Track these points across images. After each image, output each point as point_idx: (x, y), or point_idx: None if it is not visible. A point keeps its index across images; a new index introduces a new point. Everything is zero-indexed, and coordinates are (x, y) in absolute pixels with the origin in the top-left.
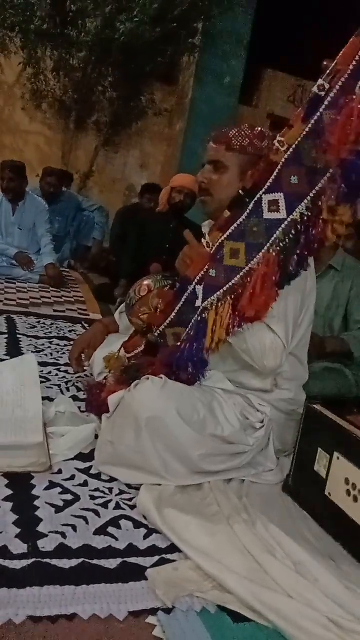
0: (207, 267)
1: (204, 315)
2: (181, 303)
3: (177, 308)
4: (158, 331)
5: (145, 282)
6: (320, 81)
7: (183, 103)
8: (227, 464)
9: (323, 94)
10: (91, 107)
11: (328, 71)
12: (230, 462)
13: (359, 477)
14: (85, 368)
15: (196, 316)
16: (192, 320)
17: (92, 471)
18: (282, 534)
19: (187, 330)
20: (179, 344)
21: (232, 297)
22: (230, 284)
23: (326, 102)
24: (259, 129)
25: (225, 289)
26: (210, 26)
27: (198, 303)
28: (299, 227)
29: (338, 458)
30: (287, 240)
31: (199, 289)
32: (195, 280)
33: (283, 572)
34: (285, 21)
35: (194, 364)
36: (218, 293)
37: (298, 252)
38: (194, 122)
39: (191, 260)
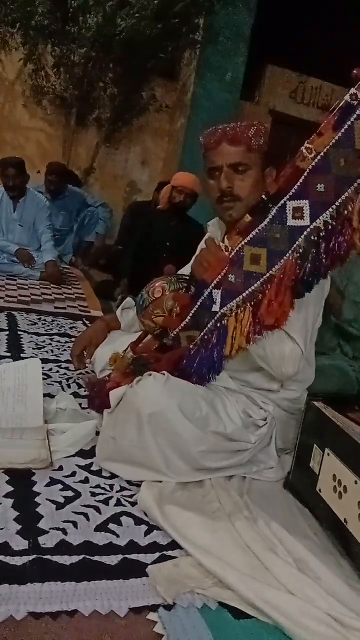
0: (225, 271)
1: (223, 322)
2: (197, 307)
3: (193, 312)
4: (173, 334)
5: (159, 284)
6: (353, 90)
7: (184, 99)
8: (228, 461)
9: (356, 103)
10: (92, 103)
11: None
12: (231, 460)
13: (344, 474)
14: (87, 365)
15: (214, 322)
16: (209, 325)
17: (93, 468)
18: (284, 531)
19: (202, 334)
20: (191, 346)
21: (252, 304)
22: (250, 290)
23: (358, 112)
24: (266, 125)
25: (245, 295)
26: (211, 22)
27: (215, 308)
28: (321, 234)
29: (328, 455)
30: (307, 247)
31: (216, 294)
32: (213, 285)
33: (284, 569)
34: (287, 17)
35: (210, 370)
36: (237, 299)
37: (318, 259)
38: (196, 118)
39: (209, 263)
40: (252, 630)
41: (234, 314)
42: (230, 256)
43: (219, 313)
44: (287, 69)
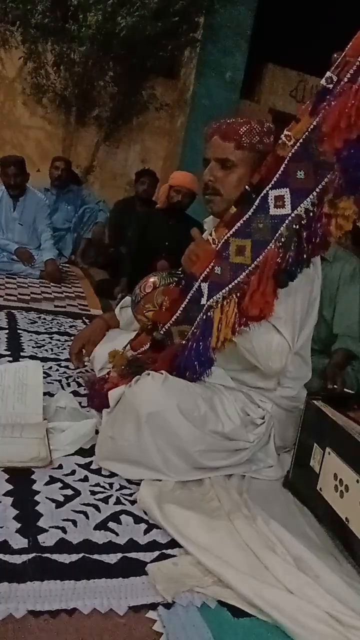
0: (212, 264)
1: (209, 314)
2: (187, 300)
3: (183, 305)
4: (164, 329)
5: (151, 279)
6: (328, 73)
7: (184, 98)
8: (227, 460)
9: (331, 86)
10: (92, 101)
11: (337, 63)
12: (230, 459)
13: (345, 473)
14: (85, 364)
15: (201, 314)
16: (198, 318)
17: (93, 466)
18: (283, 530)
19: (193, 328)
20: (183, 342)
21: (238, 295)
22: (236, 281)
23: (334, 95)
24: (268, 124)
25: (230, 286)
26: (211, 20)
27: (203, 301)
28: (302, 222)
29: (329, 453)
30: (289, 236)
31: (205, 286)
32: (201, 278)
33: (283, 567)
34: (287, 15)
35: (200, 363)
36: (223, 291)
37: (299, 247)
38: (195, 116)
39: (197, 257)
40: (251, 629)
41: (219, 305)
42: (217, 249)
43: (206, 305)
44: (287, 67)
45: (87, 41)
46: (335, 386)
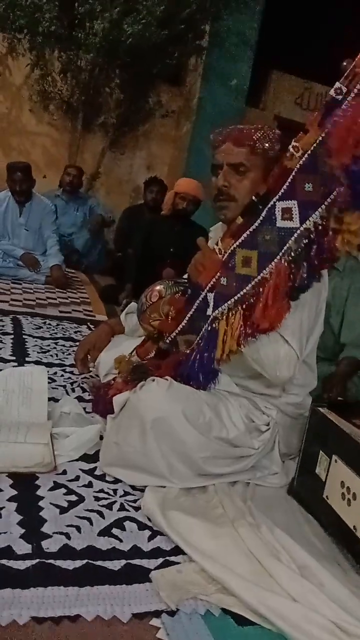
0: (218, 274)
1: (214, 325)
2: (192, 310)
3: (189, 315)
4: (169, 338)
5: (157, 288)
6: (337, 84)
7: (190, 105)
8: (232, 466)
9: (340, 97)
10: (98, 108)
11: (346, 73)
12: (235, 465)
13: (353, 481)
14: (90, 369)
15: (206, 326)
16: (203, 330)
17: (97, 472)
18: (287, 538)
19: (197, 339)
20: (188, 351)
21: (243, 306)
22: (242, 293)
23: (343, 107)
24: (276, 131)
25: (236, 298)
26: (217, 28)
27: (209, 311)
28: (311, 236)
29: (336, 461)
30: (298, 250)
31: (210, 297)
32: (207, 288)
33: (288, 575)
34: (292, 23)
35: (204, 374)
36: (229, 302)
37: (309, 262)
38: (201, 123)
39: (203, 267)
40: (255, 637)
41: (224, 317)
42: (223, 259)
43: (211, 316)
44: (292, 74)
45: (93, 49)
46: (330, 395)
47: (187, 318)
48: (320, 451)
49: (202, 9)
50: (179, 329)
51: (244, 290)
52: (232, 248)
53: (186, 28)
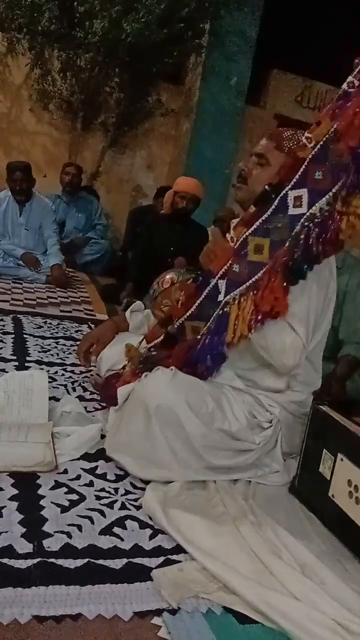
0: (230, 262)
1: (225, 309)
2: (202, 297)
3: (198, 301)
4: (177, 323)
5: (169, 275)
6: (349, 78)
7: (190, 103)
8: (232, 460)
9: (352, 91)
10: (98, 107)
11: (358, 68)
12: (235, 459)
13: None
14: (92, 364)
15: (218, 310)
16: (213, 314)
17: (98, 471)
18: (289, 536)
19: (208, 324)
20: (198, 337)
21: (255, 292)
22: (254, 279)
23: (354, 99)
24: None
25: (248, 284)
26: (217, 26)
27: (220, 297)
28: (315, 220)
29: (342, 459)
30: (302, 234)
31: (221, 284)
32: (218, 275)
33: (289, 574)
34: (292, 21)
35: (212, 357)
36: (241, 288)
37: (307, 245)
38: (201, 122)
39: (215, 254)
40: (256, 635)
41: (236, 302)
42: (235, 247)
43: (223, 301)
44: (292, 73)
45: (93, 48)
46: (329, 393)
47: (196, 304)
48: (324, 449)
49: (202, 8)
50: (187, 314)
51: (256, 277)
52: (244, 236)
53: (185, 27)
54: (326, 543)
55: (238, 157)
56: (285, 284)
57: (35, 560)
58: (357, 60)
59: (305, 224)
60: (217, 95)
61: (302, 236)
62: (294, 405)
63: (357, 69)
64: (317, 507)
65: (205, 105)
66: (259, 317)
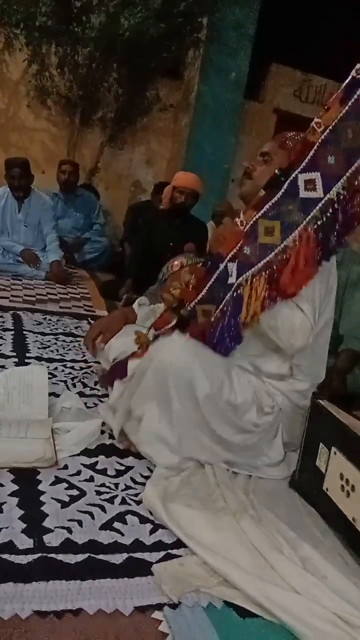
0: (240, 244)
1: (239, 291)
2: (212, 280)
3: (208, 285)
4: (189, 307)
5: (178, 260)
6: (358, 65)
7: (188, 98)
8: (232, 436)
9: None
10: (96, 103)
11: None
12: (234, 436)
13: (351, 472)
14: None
15: (231, 292)
16: (227, 297)
17: (98, 466)
18: (289, 530)
19: (221, 306)
20: (211, 319)
21: (267, 272)
22: (265, 260)
23: None
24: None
25: (259, 265)
26: (215, 21)
27: (230, 280)
28: (335, 205)
29: (335, 453)
30: (324, 219)
31: (231, 266)
32: (228, 258)
33: (290, 568)
34: (291, 15)
35: (230, 339)
36: (253, 269)
37: (335, 230)
38: (200, 117)
39: (224, 238)
40: (257, 629)
41: (249, 283)
42: (245, 230)
43: (235, 284)
44: (291, 67)
45: (90, 43)
46: (330, 388)
47: (206, 288)
48: (320, 443)
49: (200, 2)
50: (198, 298)
51: (268, 258)
52: (254, 219)
53: (184, 21)
54: (326, 537)
55: (237, 152)
56: (317, 267)
57: (36, 556)
58: None
59: (329, 210)
60: (215, 89)
61: (330, 221)
62: (296, 394)
63: None
64: (314, 501)
65: (204, 100)
66: (274, 295)
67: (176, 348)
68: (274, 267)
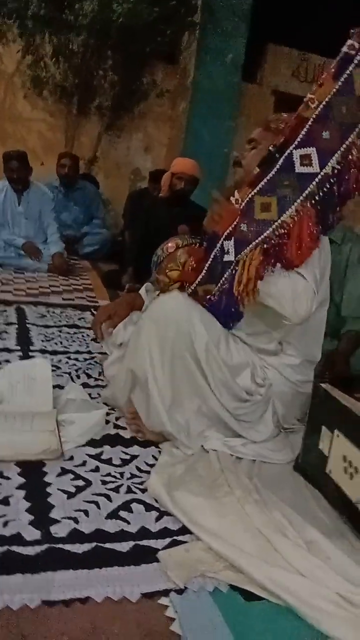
0: (236, 222)
1: (237, 268)
2: (210, 260)
3: (207, 265)
4: (190, 289)
5: (173, 241)
6: (349, 41)
7: (185, 83)
8: (222, 396)
9: (353, 52)
10: (92, 91)
11: (358, 31)
12: (224, 398)
13: (354, 454)
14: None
15: (230, 269)
16: (225, 274)
17: (103, 456)
18: (294, 513)
19: (220, 284)
20: (209, 297)
21: (265, 246)
22: (263, 236)
23: (355, 61)
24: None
25: (257, 241)
26: (210, 2)
27: (227, 257)
28: (332, 180)
29: (338, 436)
30: (321, 194)
31: (228, 244)
32: (224, 236)
33: (295, 551)
34: None
35: (230, 315)
36: (251, 246)
37: (333, 203)
38: (197, 101)
39: (219, 216)
40: (263, 612)
41: (247, 258)
42: (241, 207)
43: (234, 261)
44: (288, 46)
45: (84, 30)
46: (333, 371)
47: (205, 268)
48: (323, 426)
49: None
50: (198, 279)
51: (265, 234)
52: (249, 196)
53: (178, 4)
54: (331, 519)
55: (236, 135)
56: (314, 240)
57: (44, 547)
58: (352, 30)
59: (326, 184)
60: (212, 73)
61: (327, 195)
62: (288, 369)
63: (357, 33)
64: (318, 484)
65: (201, 84)
66: (272, 261)
67: (176, 302)
68: (271, 242)
